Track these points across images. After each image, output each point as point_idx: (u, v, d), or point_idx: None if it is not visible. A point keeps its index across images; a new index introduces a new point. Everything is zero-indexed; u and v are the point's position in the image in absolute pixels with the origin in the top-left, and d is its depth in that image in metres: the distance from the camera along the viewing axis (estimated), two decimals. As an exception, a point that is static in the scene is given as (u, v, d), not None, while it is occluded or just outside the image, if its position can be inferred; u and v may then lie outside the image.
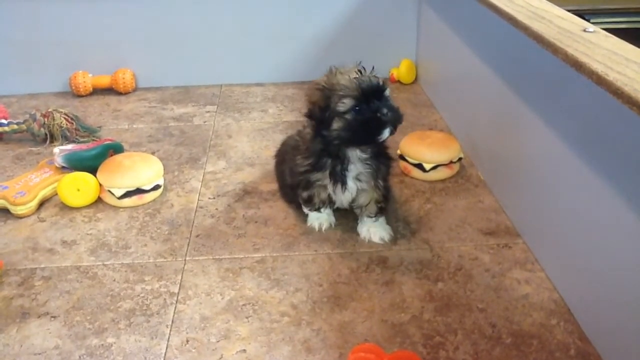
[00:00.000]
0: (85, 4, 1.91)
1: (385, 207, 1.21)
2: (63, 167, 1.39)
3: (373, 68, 1.11)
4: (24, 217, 1.30)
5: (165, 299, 1.05)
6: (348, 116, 1.08)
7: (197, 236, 1.22)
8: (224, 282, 1.09)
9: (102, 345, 0.95)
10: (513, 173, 1.25)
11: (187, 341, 0.96)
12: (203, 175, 1.46)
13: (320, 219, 1.23)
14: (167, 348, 0.94)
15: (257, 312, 1.01)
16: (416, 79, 2.04)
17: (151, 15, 1.95)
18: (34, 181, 1.35)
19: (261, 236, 1.22)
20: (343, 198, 1.20)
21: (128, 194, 1.31)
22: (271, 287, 1.07)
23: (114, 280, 1.10)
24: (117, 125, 1.76)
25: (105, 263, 1.15)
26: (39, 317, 1.01)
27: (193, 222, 1.27)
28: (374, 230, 1.19)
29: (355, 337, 0.96)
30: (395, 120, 1.08)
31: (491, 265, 1.12)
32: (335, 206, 1.24)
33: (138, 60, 1.99)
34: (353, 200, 1.22)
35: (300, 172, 1.18)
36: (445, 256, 1.15)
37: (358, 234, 1.21)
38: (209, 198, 1.36)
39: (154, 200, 1.35)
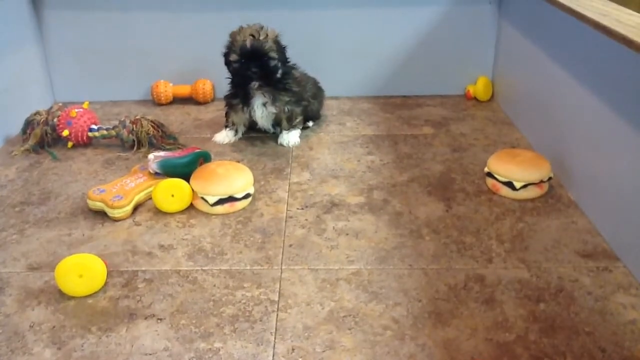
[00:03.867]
0: (168, 16, 1.97)
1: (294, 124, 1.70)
2: (156, 173, 1.43)
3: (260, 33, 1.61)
4: (120, 220, 1.34)
5: (266, 307, 1.06)
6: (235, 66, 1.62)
7: (290, 246, 1.24)
8: (322, 292, 1.10)
9: (210, 349, 0.97)
10: (610, 194, 1.23)
11: (293, 349, 0.96)
12: (289, 186, 1.48)
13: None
14: (273, 356, 0.95)
15: (358, 324, 1.02)
16: (492, 96, 2.02)
17: (230, 28, 1.99)
18: (129, 186, 1.39)
19: (353, 248, 1.23)
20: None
21: (220, 202, 1.34)
22: (370, 300, 1.08)
23: (214, 285, 1.12)
24: (199, 134, 1.80)
25: (204, 268, 1.17)
26: (145, 318, 1.04)
27: (284, 231, 1.29)
28: (286, 136, 1.69)
29: (461, 355, 0.95)
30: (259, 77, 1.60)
31: (593, 288, 1.10)
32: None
33: (217, 71, 2.03)
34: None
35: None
36: (544, 277, 1.13)
37: (451, 250, 1.21)
38: (298, 208, 1.38)
39: (244, 208, 1.37)
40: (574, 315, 1.03)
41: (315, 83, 1.83)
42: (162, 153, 1.48)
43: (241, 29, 1.64)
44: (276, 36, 1.64)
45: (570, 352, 0.95)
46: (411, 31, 2.00)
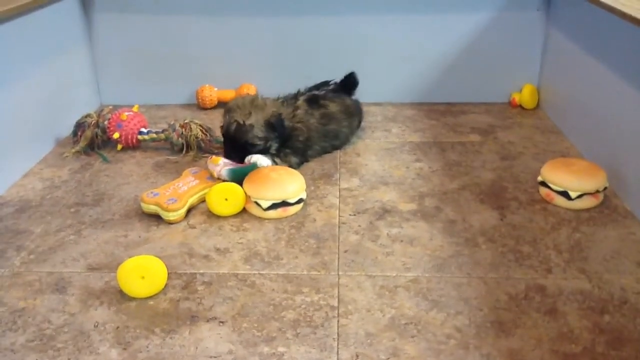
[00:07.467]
0: (214, 21, 1.99)
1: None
2: (214, 177, 1.45)
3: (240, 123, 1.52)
4: (174, 223, 1.35)
5: (326, 312, 1.06)
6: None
7: (346, 252, 1.24)
8: (381, 299, 1.10)
9: (274, 353, 0.97)
10: (672, 206, 1.21)
11: (357, 356, 0.96)
12: (339, 192, 1.48)
13: None
14: (338, 361, 0.95)
15: (421, 332, 1.01)
16: (538, 104, 2.00)
17: (275, 32, 2.01)
18: (182, 189, 1.40)
19: (409, 256, 1.22)
20: None
21: (274, 206, 1.34)
22: (430, 308, 1.07)
23: (273, 289, 1.12)
24: (245, 138, 1.81)
25: (261, 272, 1.18)
26: (207, 321, 1.05)
27: (338, 237, 1.29)
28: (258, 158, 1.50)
29: (528, 366, 0.94)
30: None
31: (658, 301, 1.08)
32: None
33: (261, 75, 2.05)
34: None
35: None
36: (606, 288, 1.11)
37: (509, 260, 1.20)
38: (350, 215, 1.37)
39: (296, 213, 1.38)
40: (641, 328, 1.02)
41: (349, 113, 1.74)
42: (226, 160, 1.48)
43: (235, 105, 1.55)
44: (270, 117, 1.51)
45: (639, 366, 0.94)
46: (456, 37, 1.99)
